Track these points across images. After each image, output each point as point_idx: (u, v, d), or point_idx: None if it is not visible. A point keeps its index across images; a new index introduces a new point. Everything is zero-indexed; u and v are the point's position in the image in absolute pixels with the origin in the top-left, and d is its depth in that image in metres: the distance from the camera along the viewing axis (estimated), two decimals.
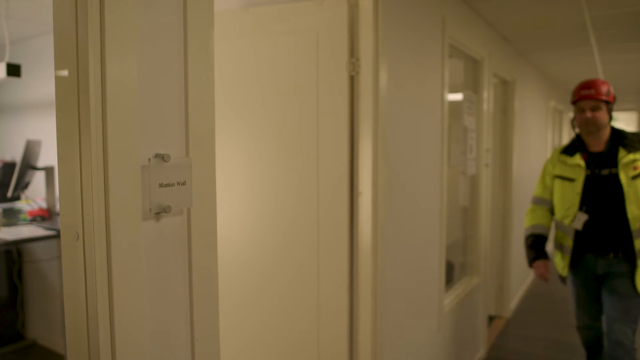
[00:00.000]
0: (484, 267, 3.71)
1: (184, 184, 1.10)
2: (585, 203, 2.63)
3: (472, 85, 3.58)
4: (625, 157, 2.52)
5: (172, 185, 1.08)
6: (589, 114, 2.58)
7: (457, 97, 3.31)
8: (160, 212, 1.06)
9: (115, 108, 0.99)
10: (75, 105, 1.01)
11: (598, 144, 2.65)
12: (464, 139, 3.28)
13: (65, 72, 1.03)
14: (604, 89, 2.59)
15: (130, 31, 1.02)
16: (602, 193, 2.59)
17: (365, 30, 2.00)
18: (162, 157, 1.05)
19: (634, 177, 2.47)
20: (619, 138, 2.61)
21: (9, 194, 3.27)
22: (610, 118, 2.67)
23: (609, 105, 2.62)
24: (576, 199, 2.63)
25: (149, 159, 1.05)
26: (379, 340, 2.10)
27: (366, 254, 2.03)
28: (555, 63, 5.53)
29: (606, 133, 2.64)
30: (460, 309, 3.22)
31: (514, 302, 4.88)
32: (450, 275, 3.27)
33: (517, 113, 4.72)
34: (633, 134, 2.60)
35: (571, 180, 2.67)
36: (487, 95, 3.65)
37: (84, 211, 1.00)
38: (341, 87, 1.99)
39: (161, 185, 1.06)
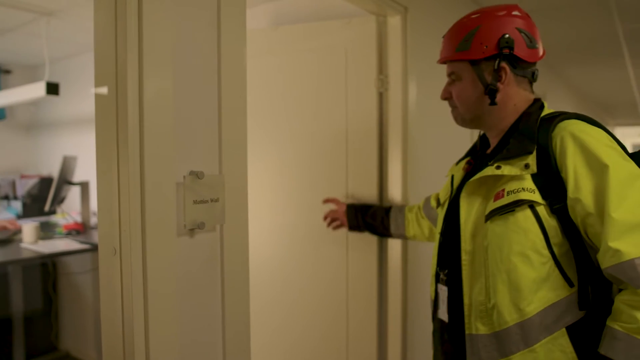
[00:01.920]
0: None
1: (217, 200, 1.12)
2: (444, 259, 1.32)
3: None
4: (487, 170, 1.17)
5: (205, 202, 1.10)
6: (442, 92, 1.35)
7: None
8: (194, 229, 1.09)
9: (152, 125, 1.02)
10: (114, 123, 1.04)
11: (493, 141, 1.30)
12: None
13: (104, 90, 1.07)
14: (463, 33, 1.24)
15: (167, 50, 1.06)
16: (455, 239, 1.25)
17: (393, 47, 2.01)
18: (196, 175, 1.08)
19: (498, 213, 1.12)
20: (514, 129, 1.21)
21: (46, 208, 3.37)
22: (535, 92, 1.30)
23: (483, 64, 1.20)
24: (435, 251, 1.38)
25: (184, 176, 1.07)
26: (408, 356, 2.07)
27: (396, 269, 2.01)
28: (586, 77, 5.43)
29: (504, 119, 1.24)
30: None
31: None
32: None
33: None
34: (543, 118, 1.18)
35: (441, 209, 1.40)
36: None
37: (121, 227, 1.03)
38: (370, 103, 2.01)
39: (195, 202, 1.08)
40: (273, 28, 2.26)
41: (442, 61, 1.31)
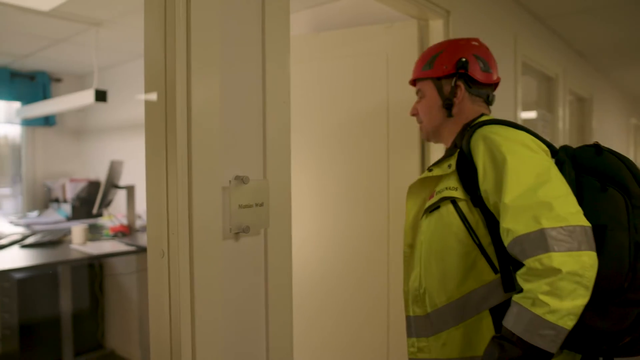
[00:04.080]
0: None
1: (261, 205, 1.14)
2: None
3: (546, 103, 3.45)
4: (424, 174, 1.36)
5: (250, 206, 1.11)
6: (411, 109, 1.50)
7: (531, 115, 3.20)
8: (239, 232, 1.10)
9: (199, 131, 1.05)
10: (162, 129, 1.07)
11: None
12: None
13: (154, 97, 1.10)
14: (429, 56, 1.43)
15: (214, 57, 1.08)
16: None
17: None
18: (241, 179, 1.10)
19: (429, 210, 1.29)
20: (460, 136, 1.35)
21: (94, 210, 3.50)
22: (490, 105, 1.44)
23: (443, 81, 1.39)
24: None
25: (230, 181, 1.09)
26: None
27: None
28: (636, 79, 5.23)
29: (455, 132, 1.39)
30: None
31: None
32: None
33: (595, 131, 4.49)
34: (472, 126, 1.30)
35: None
36: (562, 114, 3.50)
37: (169, 230, 1.06)
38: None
39: (240, 206, 1.10)
40: (314, 34, 2.28)
41: (411, 81, 1.50)
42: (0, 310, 4.05)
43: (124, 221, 3.48)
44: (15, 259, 2.77)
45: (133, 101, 3.98)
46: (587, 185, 1.15)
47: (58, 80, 4.58)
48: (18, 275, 3.72)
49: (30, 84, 4.37)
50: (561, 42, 3.58)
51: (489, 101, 1.42)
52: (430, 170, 1.31)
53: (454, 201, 1.22)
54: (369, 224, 2.12)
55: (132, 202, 3.47)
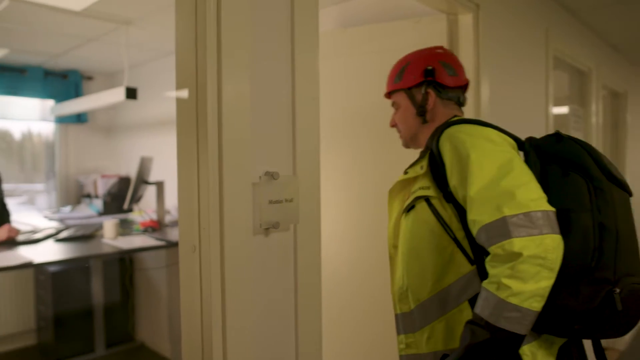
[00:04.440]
0: None
1: (291, 201, 1.14)
2: None
3: (578, 98, 3.37)
4: (400, 177, 1.43)
5: (280, 202, 1.12)
6: (390, 121, 1.57)
7: (563, 110, 3.13)
8: (269, 228, 1.11)
9: (230, 128, 1.06)
10: (194, 126, 1.09)
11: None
12: None
13: (185, 94, 1.12)
14: (398, 69, 1.50)
15: (244, 54, 1.09)
16: None
17: (465, 46, 1.97)
18: (271, 175, 1.10)
19: (406, 210, 1.33)
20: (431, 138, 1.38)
21: (125, 206, 3.57)
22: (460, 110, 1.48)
23: (414, 90, 1.45)
24: None
25: (260, 177, 1.10)
26: None
27: None
28: None
29: (427, 136, 1.43)
30: None
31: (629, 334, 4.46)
32: None
33: (630, 127, 4.36)
34: (442, 127, 1.34)
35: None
36: (596, 109, 3.41)
37: (200, 225, 1.07)
38: None
39: (270, 202, 1.10)
40: (341, 30, 2.27)
41: (386, 95, 1.57)
42: (36, 302, 4.17)
43: (154, 216, 3.54)
44: (50, 252, 2.85)
45: (162, 98, 4.04)
46: (551, 172, 1.19)
47: (89, 78, 4.68)
48: (53, 269, 3.83)
49: (63, 83, 4.48)
50: (594, 35, 3.49)
51: (460, 103, 1.48)
52: (406, 172, 1.39)
53: (427, 199, 1.28)
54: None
55: (162, 198, 3.53)
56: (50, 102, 4.48)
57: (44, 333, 4.04)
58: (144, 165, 3.51)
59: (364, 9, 2.36)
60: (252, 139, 1.10)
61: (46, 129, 4.64)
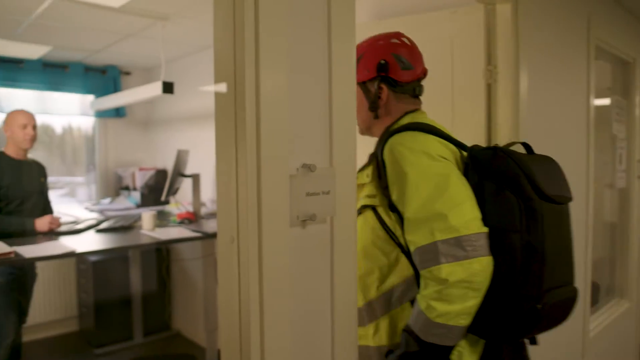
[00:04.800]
0: (637, 290, 3.33)
1: (328, 193, 1.15)
2: None
3: (621, 90, 3.25)
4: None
5: (317, 194, 1.13)
6: None
7: (604, 102, 3.03)
8: (306, 220, 1.12)
9: (268, 121, 1.07)
10: (232, 119, 1.10)
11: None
12: (612, 149, 2.98)
13: (223, 88, 1.13)
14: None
15: (282, 47, 1.09)
16: None
17: (503, 36, 1.93)
18: (308, 167, 1.11)
19: (357, 213, 1.31)
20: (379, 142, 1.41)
21: (162, 198, 3.66)
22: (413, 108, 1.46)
23: (368, 84, 1.44)
24: None
25: (297, 169, 1.11)
26: None
27: None
28: None
29: (381, 129, 1.44)
30: (608, 334, 2.92)
31: None
32: (596, 298, 2.99)
33: None
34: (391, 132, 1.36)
35: None
36: None
37: (239, 216, 1.09)
38: (477, 96, 1.94)
39: (308, 194, 1.11)
40: (376, 22, 2.26)
41: None
42: (78, 290, 4.33)
43: (190, 208, 3.61)
44: (91, 242, 2.95)
45: (197, 92, 4.10)
46: (486, 188, 1.22)
47: (127, 73, 4.80)
48: (93, 258, 3.97)
49: (102, 78, 4.60)
50: (639, 23, 3.36)
51: (416, 94, 1.47)
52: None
53: (373, 207, 1.33)
54: None
55: (198, 190, 3.60)
56: (90, 97, 4.61)
57: (85, 320, 4.19)
58: (181, 158, 3.58)
59: (399, 0, 2.34)
60: (289, 131, 1.10)
61: (86, 123, 4.79)
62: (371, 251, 1.35)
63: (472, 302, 1.14)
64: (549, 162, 1.30)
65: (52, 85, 4.35)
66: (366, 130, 1.51)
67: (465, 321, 1.16)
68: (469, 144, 1.96)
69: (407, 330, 1.23)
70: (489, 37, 1.95)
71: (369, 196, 1.34)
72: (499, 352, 1.28)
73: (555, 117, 2.30)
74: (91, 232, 3.15)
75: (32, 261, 2.69)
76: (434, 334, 1.17)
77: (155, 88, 3.37)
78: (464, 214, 1.15)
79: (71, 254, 2.71)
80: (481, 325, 1.19)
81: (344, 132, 1.21)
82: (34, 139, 3.06)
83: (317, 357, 1.19)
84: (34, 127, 3.06)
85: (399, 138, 1.31)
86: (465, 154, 1.33)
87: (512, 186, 1.18)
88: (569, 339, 2.50)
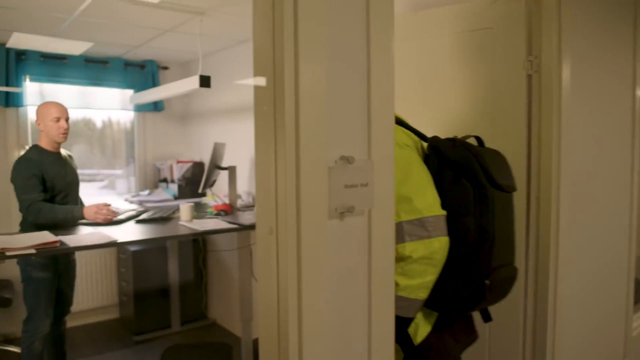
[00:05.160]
0: None
1: (366, 185, 1.15)
2: None
3: None
4: None
5: (355, 186, 1.13)
6: None
7: None
8: (344, 212, 1.13)
9: (307, 112, 1.07)
10: (271, 111, 1.11)
11: None
12: None
13: (263, 81, 1.15)
14: None
15: (321, 40, 1.10)
16: None
17: (546, 25, 1.87)
18: (347, 159, 1.11)
19: None
20: None
21: (199, 190, 3.72)
22: None
23: None
24: None
25: (335, 161, 1.11)
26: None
27: (544, 264, 1.89)
28: None
29: None
30: None
31: None
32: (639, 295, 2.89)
33: None
34: None
35: None
36: None
37: (277, 208, 1.10)
38: (518, 87, 1.89)
39: (346, 186, 1.12)
40: (412, 13, 2.23)
41: None
42: (118, 278, 4.47)
43: (226, 200, 3.67)
44: (131, 233, 3.03)
45: (233, 86, 4.15)
46: (445, 176, 1.37)
47: (165, 68, 4.89)
48: (133, 248, 4.08)
49: (141, 73, 4.71)
50: None
51: None
52: None
53: None
54: None
55: (234, 182, 3.64)
56: (129, 92, 4.72)
57: (125, 308, 4.33)
58: (217, 151, 3.64)
59: None
60: (328, 123, 1.11)
61: (125, 117, 4.91)
62: None
63: (430, 277, 1.29)
64: (498, 155, 1.46)
65: (93, 80, 4.47)
66: None
67: (423, 294, 1.31)
68: (508, 137, 1.94)
69: None
70: (530, 26, 1.90)
71: None
72: (450, 323, 1.43)
73: (599, 109, 2.23)
74: (131, 222, 3.24)
75: (77, 250, 2.77)
76: (396, 306, 1.29)
77: (193, 82, 3.43)
78: (427, 198, 1.30)
79: (113, 244, 2.79)
80: (435, 299, 1.35)
81: (383, 124, 1.20)
82: (67, 132, 3.00)
83: (354, 350, 1.20)
84: (67, 119, 2.99)
85: None
86: (425, 144, 1.48)
87: (468, 175, 1.33)
88: (611, 338, 2.43)
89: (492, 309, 1.48)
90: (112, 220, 3.08)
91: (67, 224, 2.93)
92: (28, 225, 2.86)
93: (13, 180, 2.87)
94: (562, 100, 1.87)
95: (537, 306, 1.93)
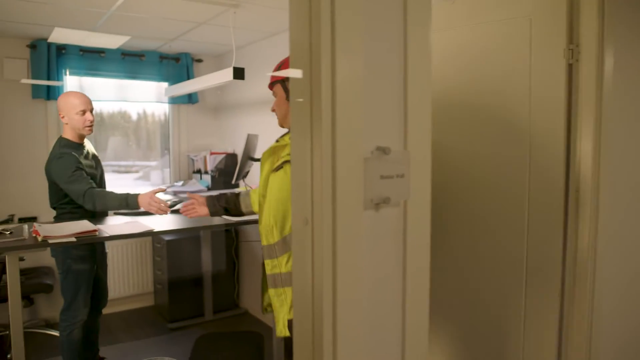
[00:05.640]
0: None
1: (402, 176, 1.14)
2: None
3: None
4: (273, 143, 2.02)
5: (391, 177, 1.13)
6: (272, 107, 2.05)
7: None
8: (379, 203, 1.12)
9: (343, 103, 1.07)
10: (307, 103, 1.12)
11: None
12: None
13: (299, 73, 1.15)
14: (278, 65, 2.00)
15: (358, 31, 1.09)
16: None
17: (587, 13, 1.81)
18: (383, 150, 1.11)
19: (275, 169, 1.83)
20: None
21: (233, 181, 3.76)
22: None
23: (286, 82, 1.93)
24: None
25: (371, 152, 1.11)
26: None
27: (583, 261, 1.84)
28: None
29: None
30: None
31: None
32: None
33: None
34: None
35: None
36: None
37: (313, 199, 1.11)
38: (557, 76, 1.84)
39: (382, 177, 1.11)
40: (449, 2, 2.19)
41: (269, 86, 2.03)
42: (153, 267, 4.57)
43: None
44: (165, 222, 3.09)
45: (266, 78, 4.16)
46: None
47: (199, 60, 4.95)
48: (168, 237, 4.17)
49: (175, 66, 4.78)
50: None
51: None
52: (277, 141, 1.94)
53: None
54: (505, 200, 2.03)
55: None
56: (164, 85, 4.81)
57: (159, 296, 4.43)
58: (250, 143, 3.67)
59: None
60: (364, 114, 1.10)
61: (159, 109, 5.00)
62: (286, 199, 1.74)
63: None
64: None
65: (129, 73, 4.58)
66: (283, 122, 1.97)
67: None
68: (546, 127, 1.89)
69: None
70: (571, 14, 1.84)
71: (289, 154, 1.62)
72: None
73: None
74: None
75: (115, 239, 2.85)
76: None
77: (227, 74, 3.46)
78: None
79: (150, 233, 2.87)
80: None
81: (419, 115, 1.19)
82: (93, 124, 2.88)
83: (388, 342, 1.20)
84: (92, 111, 2.89)
85: None
86: None
87: None
88: None
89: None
90: (166, 213, 2.91)
91: (121, 210, 2.95)
92: (62, 218, 2.94)
93: (57, 175, 2.79)
94: (603, 89, 1.81)
95: (575, 306, 1.89)
